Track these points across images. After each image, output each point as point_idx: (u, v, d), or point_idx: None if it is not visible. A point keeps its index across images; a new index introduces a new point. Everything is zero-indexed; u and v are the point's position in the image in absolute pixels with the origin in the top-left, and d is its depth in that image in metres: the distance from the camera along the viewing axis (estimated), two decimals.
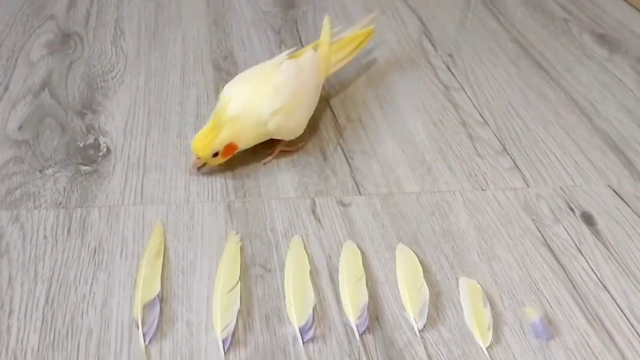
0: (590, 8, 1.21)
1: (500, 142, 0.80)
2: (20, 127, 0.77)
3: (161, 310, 0.55)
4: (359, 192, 0.70)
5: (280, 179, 0.71)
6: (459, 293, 0.59)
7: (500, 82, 0.93)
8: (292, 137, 0.73)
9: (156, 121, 0.79)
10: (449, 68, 0.96)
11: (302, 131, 0.74)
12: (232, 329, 0.53)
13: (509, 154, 0.78)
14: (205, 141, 0.66)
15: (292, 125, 0.72)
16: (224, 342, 0.52)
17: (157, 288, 0.57)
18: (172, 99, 0.84)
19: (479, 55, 1.01)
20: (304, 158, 0.75)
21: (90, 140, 0.75)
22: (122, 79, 0.87)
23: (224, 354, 0.52)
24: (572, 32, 1.10)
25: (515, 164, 0.76)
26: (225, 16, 1.06)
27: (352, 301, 0.56)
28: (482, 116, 0.85)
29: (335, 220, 0.66)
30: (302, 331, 0.54)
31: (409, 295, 0.58)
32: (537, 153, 0.78)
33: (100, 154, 0.73)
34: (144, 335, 0.52)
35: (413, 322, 0.55)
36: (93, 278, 0.58)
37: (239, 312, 0.55)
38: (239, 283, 0.57)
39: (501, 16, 1.15)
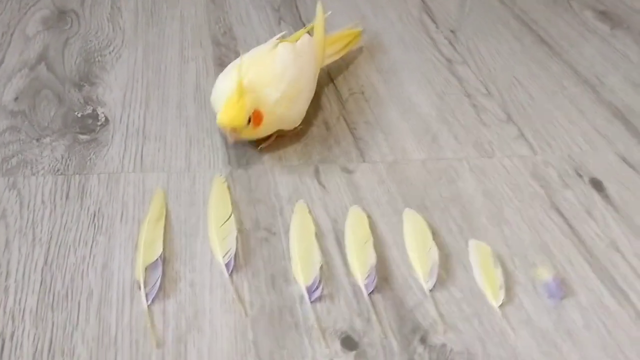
0: None
1: (505, 112, 0.79)
2: (16, 99, 0.75)
3: (164, 271, 0.53)
4: (363, 160, 0.69)
5: (283, 148, 0.70)
6: (468, 255, 0.57)
7: (504, 57, 0.92)
8: (292, 127, 0.71)
9: (155, 93, 0.78)
10: (451, 43, 0.95)
11: (301, 120, 0.71)
12: (233, 254, 0.55)
13: (514, 123, 0.77)
14: (236, 109, 0.61)
15: (292, 115, 0.69)
16: (227, 265, 0.54)
17: (158, 250, 0.55)
18: (170, 72, 0.82)
19: (481, 31, 1.00)
20: (306, 128, 0.73)
21: (89, 110, 0.74)
22: (120, 54, 0.86)
23: (229, 276, 0.53)
24: (573, 9, 1.09)
25: (521, 132, 0.75)
26: None
27: (359, 262, 0.55)
28: (486, 88, 0.84)
29: (340, 186, 0.65)
30: (309, 290, 0.52)
31: (418, 257, 0.56)
32: (543, 122, 0.77)
33: (99, 123, 0.72)
34: (146, 295, 0.51)
35: (422, 282, 0.54)
36: (93, 241, 0.56)
37: (245, 275, 0.54)
38: (232, 215, 0.58)
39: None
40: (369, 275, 0.54)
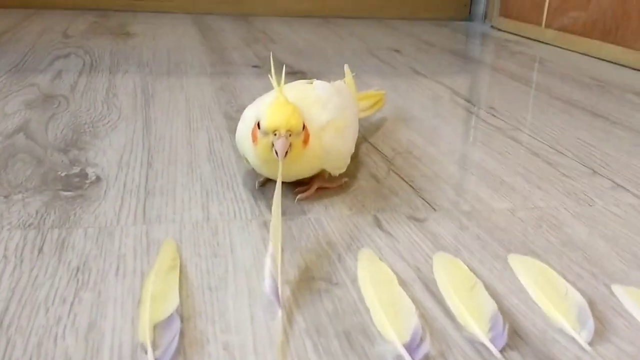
0: (626, 76, 1.13)
1: (587, 167, 0.65)
2: None
3: (182, 331, 0.35)
4: (433, 209, 0.53)
5: (328, 199, 0.54)
6: (618, 301, 0.40)
7: (559, 125, 0.80)
8: (339, 168, 0.56)
9: (158, 156, 0.63)
10: (494, 115, 0.83)
11: (348, 162, 0.57)
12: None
13: (603, 176, 0.62)
14: (288, 109, 0.48)
15: (339, 149, 0.55)
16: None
17: (173, 304, 0.37)
18: (177, 139, 0.68)
19: (524, 108, 0.89)
20: (352, 182, 0.58)
21: (75, 170, 0.58)
22: (116, 125, 0.72)
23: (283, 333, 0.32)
24: (612, 93, 1.00)
25: (615, 183, 0.61)
26: (232, 85, 0.94)
27: (471, 311, 0.37)
28: (554, 148, 0.70)
29: (411, 234, 0.48)
30: (410, 348, 0.34)
31: (552, 303, 0.39)
32: (635, 174, 0.63)
33: (88, 181, 0.56)
34: None
35: (573, 334, 0.36)
36: (75, 298, 0.38)
37: (306, 333, 0.35)
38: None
39: (532, 84, 1.05)
40: (492, 327, 0.36)
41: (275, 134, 0.47)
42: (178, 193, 0.54)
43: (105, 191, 0.54)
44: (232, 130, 0.71)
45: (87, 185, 0.55)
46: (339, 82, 0.67)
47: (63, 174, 0.57)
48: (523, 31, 1.60)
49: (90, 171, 0.58)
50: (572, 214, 0.53)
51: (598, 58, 1.31)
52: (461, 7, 1.91)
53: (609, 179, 0.62)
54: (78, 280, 0.40)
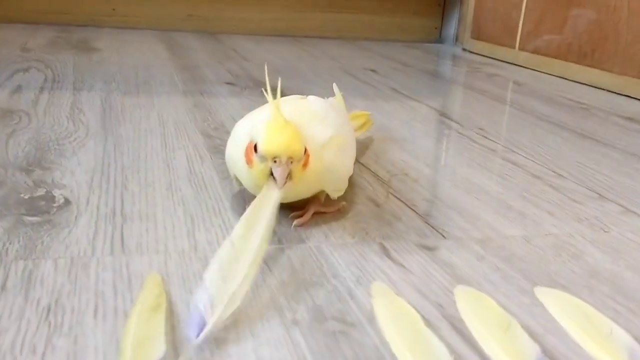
0: (607, 99, 1.12)
1: (591, 190, 0.62)
2: None
3: None
4: (443, 237, 0.48)
5: (326, 225, 0.49)
6: None
7: (552, 147, 0.77)
8: (339, 190, 0.51)
9: (135, 177, 0.57)
10: (485, 137, 0.80)
11: (347, 184, 0.52)
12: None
13: (610, 200, 0.59)
14: (288, 131, 0.43)
15: (340, 169, 0.50)
16: None
17: (159, 350, 0.31)
18: (153, 159, 0.62)
19: (513, 129, 0.86)
20: (350, 206, 0.53)
21: (40, 192, 0.52)
22: (83, 143, 0.66)
23: None
24: (597, 116, 0.98)
25: (624, 207, 0.57)
26: (207, 102, 0.89)
27: (514, 357, 0.33)
28: (553, 171, 0.67)
29: (425, 265, 0.43)
30: None
31: (599, 344, 0.34)
32: None
33: (55, 205, 0.49)
34: None
35: None
36: (46, 346, 0.32)
37: None
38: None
39: (516, 105, 1.03)
40: None
41: (275, 161, 0.42)
42: (159, 219, 0.48)
43: (75, 216, 0.47)
44: (212, 149, 0.66)
45: (54, 209, 0.48)
46: (331, 99, 0.63)
47: (26, 197, 0.50)
48: (496, 54, 1.59)
49: (57, 193, 0.52)
50: (589, 241, 0.49)
51: (574, 81, 1.30)
52: (431, 30, 1.90)
53: (617, 204, 0.58)
54: (50, 324, 0.34)
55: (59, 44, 1.33)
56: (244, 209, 0.50)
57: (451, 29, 1.86)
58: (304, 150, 0.43)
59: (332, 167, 0.48)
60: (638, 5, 1.15)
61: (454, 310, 0.38)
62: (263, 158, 0.43)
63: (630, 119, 0.98)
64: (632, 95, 1.15)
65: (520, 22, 1.50)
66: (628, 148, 0.79)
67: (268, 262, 0.42)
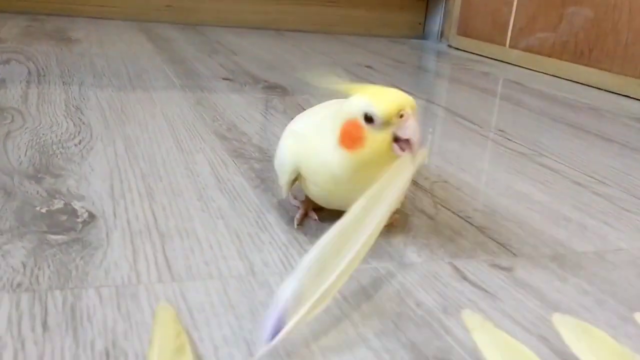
0: (609, 99, 1.11)
1: (638, 198, 0.59)
2: None
3: None
4: (513, 254, 0.44)
5: (385, 242, 0.44)
6: None
7: (578, 149, 0.74)
8: (401, 199, 0.46)
9: (159, 185, 0.51)
10: (509, 139, 0.76)
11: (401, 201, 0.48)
12: None
13: None
14: (399, 91, 0.39)
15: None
16: None
17: None
18: (172, 164, 0.56)
19: (532, 131, 0.83)
20: (402, 218, 0.49)
21: (58, 204, 0.46)
22: (91, 146, 0.59)
23: None
24: (606, 117, 0.96)
25: None
26: (210, 100, 0.83)
27: None
28: (591, 177, 0.64)
29: (509, 289, 0.39)
30: None
31: None
32: None
33: (79, 220, 0.43)
34: None
35: None
36: None
37: None
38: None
39: (525, 105, 1.00)
40: None
41: (401, 116, 0.37)
42: (201, 236, 0.43)
43: (106, 234, 0.42)
44: (232, 153, 0.61)
45: (79, 225, 0.43)
46: None
47: (43, 210, 0.44)
48: (485, 51, 1.57)
49: (77, 206, 0.46)
50: None
51: (569, 80, 1.28)
52: (415, 25, 1.87)
53: None
54: None
55: (33, 34, 1.25)
56: (290, 222, 0.45)
57: (435, 24, 1.83)
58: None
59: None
60: (639, 4, 1.13)
61: (561, 344, 0.34)
62: (384, 123, 0.37)
63: (638, 119, 0.96)
64: (631, 96, 1.14)
65: (512, 19, 1.48)
66: None
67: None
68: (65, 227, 0.42)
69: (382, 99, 0.37)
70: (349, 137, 0.39)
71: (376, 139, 0.38)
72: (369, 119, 0.37)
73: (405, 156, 0.38)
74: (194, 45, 1.29)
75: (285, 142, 0.45)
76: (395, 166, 0.37)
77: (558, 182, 0.62)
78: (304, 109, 0.82)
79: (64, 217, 0.44)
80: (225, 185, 0.52)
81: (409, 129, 0.36)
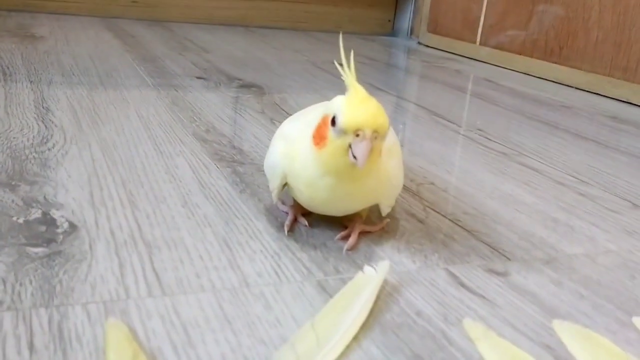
0: (581, 97, 1.12)
1: (621, 197, 0.59)
2: None
3: None
4: (507, 258, 0.44)
5: (378, 247, 0.43)
6: None
7: (557, 148, 0.74)
8: (391, 205, 0.45)
9: (140, 191, 0.49)
10: (488, 139, 0.76)
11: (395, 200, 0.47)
12: None
13: None
14: (375, 107, 0.37)
15: (398, 180, 0.46)
16: None
17: None
18: (153, 168, 0.55)
19: (509, 130, 0.83)
20: (393, 224, 0.48)
21: (35, 214, 0.43)
22: (66, 150, 0.57)
23: None
24: (581, 115, 0.97)
25: None
26: (185, 99, 0.81)
27: None
28: (574, 177, 0.64)
29: (507, 295, 0.39)
30: None
31: None
32: None
33: (60, 230, 0.41)
34: None
35: None
36: None
37: None
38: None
39: (499, 103, 1.00)
40: None
41: (357, 135, 0.36)
42: (189, 245, 0.41)
43: (90, 245, 0.40)
44: (214, 156, 0.59)
45: (60, 236, 0.41)
46: None
47: (21, 220, 0.42)
48: (455, 48, 1.58)
49: (57, 215, 0.44)
50: None
51: (540, 77, 1.30)
52: (384, 22, 1.86)
53: None
54: None
55: None
56: (280, 229, 0.44)
57: (405, 21, 1.83)
58: (388, 126, 0.38)
59: (394, 178, 0.43)
60: (609, 2, 1.15)
61: (565, 353, 0.33)
62: (342, 132, 0.37)
63: (614, 117, 0.97)
64: (602, 94, 1.15)
65: (482, 16, 1.49)
66: (632, 150, 0.78)
67: (333, 296, 0.36)
68: (45, 239, 0.40)
69: (352, 110, 0.37)
70: (318, 134, 0.39)
71: (335, 142, 0.38)
72: (334, 121, 0.37)
73: (368, 273, 0.38)
74: (163, 42, 1.27)
75: (276, 146, 0.44)
76: (356, 283, 0.37)
77: (541, 183, 0.62)
78: (282, 108, 0.81)
79: (43, 228, 0.41)
80: (210, 191, 0.51)
81: (358, 151, 0.36)
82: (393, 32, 1.86)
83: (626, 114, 1.00)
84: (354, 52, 0.40)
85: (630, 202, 0.58)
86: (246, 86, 0.93)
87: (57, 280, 0.35)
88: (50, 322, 0.32)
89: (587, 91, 1.18)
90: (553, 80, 1.26)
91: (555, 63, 1.27)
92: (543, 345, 0.34)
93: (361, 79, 0.39)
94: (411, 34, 1.80)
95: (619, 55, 1.13)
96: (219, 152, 0.61)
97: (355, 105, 0.37)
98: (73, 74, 0.89)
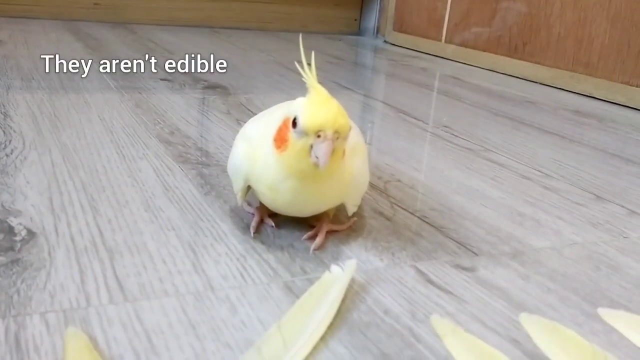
0: (544, 92, 1.13)
1: (585, 190, 0.60)
2: None
3: None
4: (474, 253, 0.44)
5: (345, 247, 0.43)
6: None
7: (521, 143, 0.75)
8: (357, 205, 0.45)
9: (102, 196, 0.48)
10: (455, 135, 0.76)
11: (360, 199, 0.47)
12: None
13: (609, 201, 0.57)
14: (336, 108, 0.37)
15: (363, 179, 0.45)
16: None
17: None
18: (115, 172, 0.53)
19: (475, 126, 0.83)
20: (360, 222, 0.48)
21: None
22: (25, 156, 0.56)
23: None
24: (544, 110, 0.98)
25: (627, 209, 0.56)
26: (149, 102, 0.79)
27: None
28: (539, 171, 0.65)
29: (474, 290, 0.39)
30: None
31: None
32: (638, 198, 0.59)
33: (18, 238, 0.40)
34: None
35: None
36: None
37: None
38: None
39: (465, 100, 1.01)
40: None
41: (318, 136, 0.36)
42: (152, 250, 0.40)
43: (49, 252, 0.39)
44: (178, 158, 0.58)
45: (18, 244, 0.39)
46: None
47: None
48: (421, 46, 1.58)
49: (14, 222, 0.42)
50: (616, 249, 0.47)
51: (505, 74, 1.31)
52: (350, 22, 1.87)
53: (617, 205, 0.57)
54: None
55: None
56: (246, 230, 0.44)
57: (371, 20, 1.83)
58: (349, 127, 0.37)
59: (358, 177, 0.43)
60: None
61: (532, 346, 0.33)
62: (303, 134, 0.37)
63: (576, 112, 0.98)
64: (565, 88, 1.17)
65: (447, 14, 1.50)
66: (594, 143, 0.79)
67: (300, 297, 0.36)
68: (2, 247, 0.39)
69: (313, 111, 0.37)
70: (279, 137, 0.39)
71: (296, 144, 0.37)
72: (294, 123, 0.37)
73: (335, 272, 0.38)
74: (127, 45, 1.25)
75: (238, 147, 0.44)
76: (324, 283, 0.37)
77: (507, 177, 0.62)
78: (248, 109, 0.81)
79: (0, 236, 0.40)
80: (174, 194, 0.50)
81: (319, 151, 0.36)
82: (359, 31, 1.87)
83: (589, 108, 1.02)
84: (321, 52, 0.39)
85: (594, 194, 0.59)
86: (211, 87, 0.92)
87: (15, 290, 0.34)
88: (7, 332, 0.30)
89: (551, 86, 1.19)
90: (517, 76, 1.28)
91: (520, 59, 1.28)
92: (510, 339, 0.34)
93: (328, 78, 0.39)
94: (377, 32, 1.81)
95: (580, 51, 1.14)
96: (183, 154, 0.60)
97: (316, 106, 0.37)
98: (33, 79, 0.87)
